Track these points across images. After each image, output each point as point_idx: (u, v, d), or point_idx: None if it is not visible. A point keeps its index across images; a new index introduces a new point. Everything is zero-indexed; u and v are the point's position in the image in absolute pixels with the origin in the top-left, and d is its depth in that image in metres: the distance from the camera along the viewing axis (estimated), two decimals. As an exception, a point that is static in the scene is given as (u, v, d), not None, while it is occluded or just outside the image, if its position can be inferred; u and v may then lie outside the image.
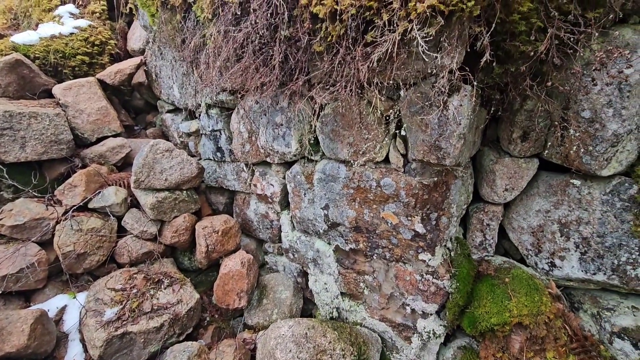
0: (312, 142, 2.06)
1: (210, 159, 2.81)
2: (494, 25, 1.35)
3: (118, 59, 3.19)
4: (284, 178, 2.35)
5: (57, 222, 2.26)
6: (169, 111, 3.06)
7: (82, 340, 1.96)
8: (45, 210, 2.27)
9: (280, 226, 2.52)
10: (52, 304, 2.08)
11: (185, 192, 2.54)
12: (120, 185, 2.58)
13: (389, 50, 1.36)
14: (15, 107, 2.39)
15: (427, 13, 1.28)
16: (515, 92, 1.64)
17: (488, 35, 1.35)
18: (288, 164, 2.31)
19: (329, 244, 2.29)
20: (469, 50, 1.43)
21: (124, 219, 2.46)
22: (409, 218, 1.86)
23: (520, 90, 1.62)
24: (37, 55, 2.81)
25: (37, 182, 2.45)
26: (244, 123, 2.31)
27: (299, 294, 2.56)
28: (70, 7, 3.13)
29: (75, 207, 2.33)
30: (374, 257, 2.11)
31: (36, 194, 2.39)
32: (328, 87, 1.72)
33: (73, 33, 2.98)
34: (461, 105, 1.46)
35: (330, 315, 2.38)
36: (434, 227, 1.84)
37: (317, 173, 2.10)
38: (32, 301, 2.13)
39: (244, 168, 2.56)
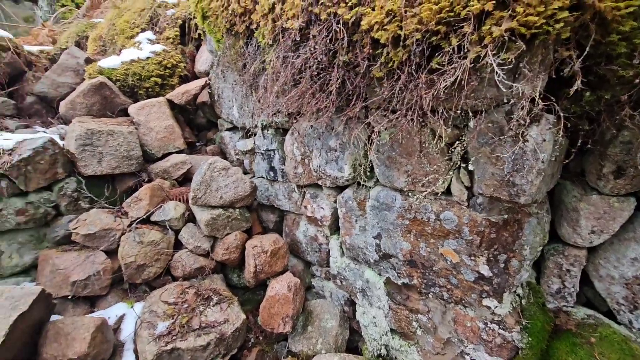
0: (366, 168, 1.97)
1: (263, 178, 2.85)
2: (587, 48, 1.16)
3: (186, 80, 3.43)
4: (335, 202, 2.28)
5: (123, 233, 2.43)
6: (227, 129, 3.19)
7: (135, 351, 2.04)
8: (114, 221, 2.46)
9: (329, 250, 2.45)
10: (112, 312, 2.22)
11: (238, 210, 2.59)
12: (179, 200, 2.71)
13: (458, 78, 1.24)
14: (96, 125, 2.65)
15: (505, 37, 1.14)
16: (609, 122, 1.40)
17: (579, 59, 1.17)
18: (340, 188, 2.24)
19: (380, 275, 2.15)
20: (553, 76, 1.26)
21: (180, 233, 2.57)
22: (473, 258, 1.67)
23: (617, 120, 1.38)
24: (118, 77, 3.12)
25: (109, 194, 2.67)
26: (298, 145, 2.30)
27: (345, 324, 2.44)
28: (149, 34, 3.45)
29: (139, 220, 2.49)
30: (430, 296, 1.93)
31: (107, 206, 2.61)
32: (386, 113, 1.63)
33: (149, 57, 3.27)
34: (542, 138, 1.28)
35: (379, 352, 2.23)
36: (502, 271, 1.63)
37: (370, 200, 2.01)
38: (96, 307, 2.30)
39: (296, 189, 2.55)
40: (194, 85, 3.13)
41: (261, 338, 2.42)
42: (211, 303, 2.28)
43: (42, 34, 4.08)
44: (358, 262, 2.26)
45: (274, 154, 2.63)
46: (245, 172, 3.04)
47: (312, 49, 1.65)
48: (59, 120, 3.27)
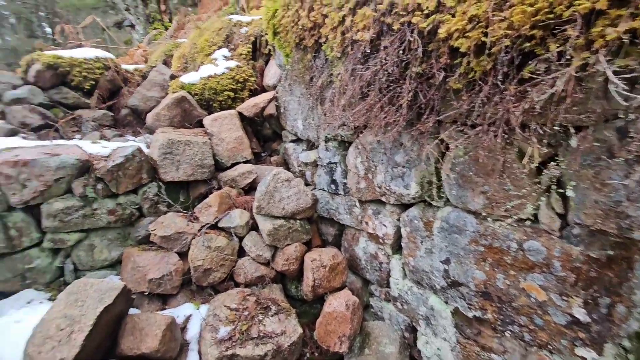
0: (435, 186, 1.82)
1: (324, 190, 2.83)
2: None
3: (255, 93, 3.59)
4: (398, 220, 2.16)
5: (193, 237, 2.59)
6: (291, 141, 3.26)
7: (199, 352, 2.13)
8: (186, 225, 2.64)
9: (390, 270, 2.32)
10: (180, 311, 2.36)
11: (299, 221, 2.60)
12: (244, 209, 2.82)
13: (558, 89, 1.06)
14: (175, 136, 2.89)
15: (624, 40, 0.95)
16: None
17: None
18: (405, 206, 2.12)
19: (447, 303, 1.96)
20: (690, 85, 1.02)
21: (244, 241, 2.66)
22: (565, 298, 1.42)
23: None
24: (196, 92, 3.39)
25: (183, 199, 2.89)
26: (362, 159, 2.24)
27: (405, 352, 2.27)
28: (224, 51, 3.71)
29: (208, 225, 2.64)
30: (506, 334, 1.70)
31: (181, 210, 2.81)
32: (464, 128, 1.49)
33: (224, 72, 3.50)
34: (672, 162, 1.04)
35: (442, 388, 2.02)
36: (604, 317, 1.36)
37: (438, 221, 1.85)
38: (167, 305, 2.46)
39: (357, 204, 2.48)
40: (262, 99, 3.26)
41: (316, 354, 2.37)
42: (270, 313, 2.30)
43: (137, 54, 4.64)
44: (422, 287, 2.10)
45: (336, 167, 2.60)
46: (306, 184, 3.06)
47: (382, 60, 1.58)
48: (146, 130, 3.65)
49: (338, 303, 2.26)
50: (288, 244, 2.57)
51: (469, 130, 1.44)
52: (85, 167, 2.59)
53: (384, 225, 2.25)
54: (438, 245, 1.88)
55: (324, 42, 2.06)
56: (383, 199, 2.17)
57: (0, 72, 3.49)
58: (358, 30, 1.69)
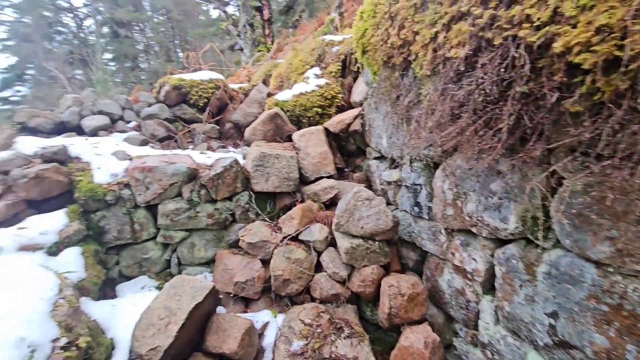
0: (541, 223, 1.54)
1: (407, 212, 2.68)
2: None
3: (342, 109, 3.65)
4: (492, 256, 1.89)
5: (276, 247, 2.72)
6: (375, 158, 3.19)
7: (273, 360, 2.21)
8: (271, 234, 2.79)
9: (479, 312, 2.04)
10: (260, 317, 2.49)
11: (377, 243, 2.50)
12: (324, 224, 2.85)
13: None
14: (267, 150, 3.10)
15: None
16: None
17: None
18: (500, 241, 1.84)
19: (552, 365, 1.63)
20: None
21: (322, 256, 2.68)
22: None
23: None
24: (288, 108, 3.61)
25: (270, 209, 3.07)
26: (450, 184, 2.04)
27: (493, 409, 1.96)
28: (316, 69, 3.88)
29: (289, 237, 2.75)
30: None
31: (267, 219, 3.00)
32: (584, 160, 1.22)
33: (314, 90, 3.65)
34: None
35: None
36: None
37: (544, 265, 1.55)
38: (249, 308, 2.63)
39: (442, 231, 2.27)
40: (348, 115, 3.28)
41: (388, 388, 2.22)
42: (342, 335, 2.26)
43: (242, 74, 5.20)
44: (519, 338, 1.78)
45: (421, 189, 2.44)
46: (388, 203, 2.95)
47: (479, 79, 1.42)
48: (243, 142, 4.04)
49: (416, 338, 2.08)
50: (365, 265, 2.50)
51: (592, 163, 1.18)
52: (193, 175, 2.98)
53: (474, 260, 2.00)
54: (542, 294, 1.58)
55: (413, 60, 1.96)
56: (474, 230, 1.94)
57: (142, 92, 4.29)
58: (452, 47, 1.56)
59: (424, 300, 2.31)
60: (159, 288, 2.81)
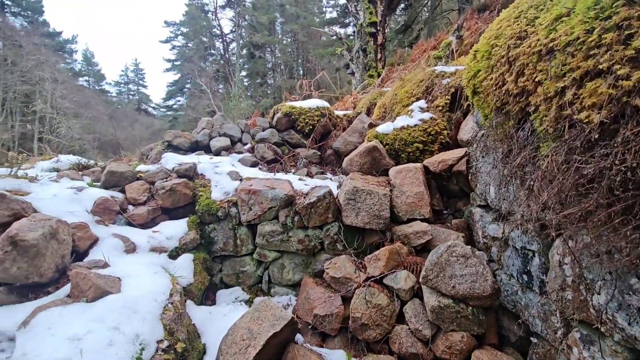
0: None
1: (513, 277, 2.30)
2: None
3: (447, 146, 3.40)
4: (626, 369, 1.45)
5: (358, 287, 2.68)
6: (479, 206, 2.85)
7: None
8: (354, 272, 2.77)
9: None
10: (333, 356, 2.47)
11: (471, 308, 2.22)
12: (412, 271, 2.68)
13: None
14: (360, 184, 3.11)
15: None
16: None
17: None
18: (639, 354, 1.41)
19: None
20: None
21: (405, 307, 2.52)
22: None
23: None
24: (387, 142, 3.55)
25: (357, 245, 3.06)
26: (571, 262, 1.67)
27: None
28: (422, 102, 3.72)
29: (373, 279, 2.67)
30: None
31: (353, 255, 2.99)
32: None
33: (417, 124, 3.51)
34: None
35: None
36: None
37: None
38: (324, 344, 2.65)
39: (557, 315, 1.86)
40: (451, 156, 3.03)
41: None
42: (415, 402, 2.06)
43: (349, 101, 5.38)
44: None
45: (533, 256, 2.06)
46: (490, 260, 2.59)
47: (618, 155, 1.13)
48: (341, 170, 4.15)
49: None
50: (453, 330, 2.24)
51: None
52: (290, 201, 3.21)
53: (598, 364, 1.58)
54: None
55: (532, 112, 1.69)
56: (602, 329, 1.53)
57: (259, 118, 4.87)
58: (582, 109, 1.29)
59: (522, 391, 1.93)
60: (247, 302, 3.09)
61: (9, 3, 27.43)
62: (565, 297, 1.74)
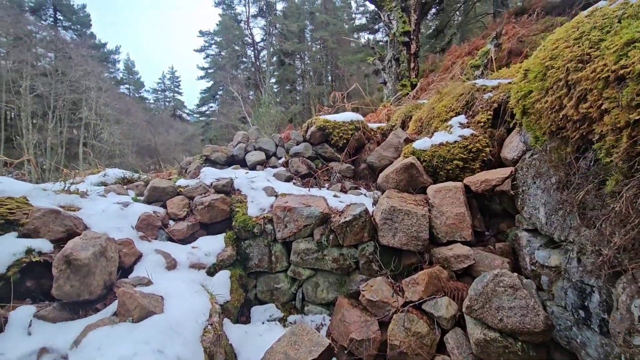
0: None
1: (567, 310, 2.13)
2: None
3: (489, 164, 3.25)
4: None
5: (396, 312, 2.60)
6: (526, 230, 2.68)
7: None
8: (392, 296, 2.69)
9: None
10: (370, 384, 2.41)
11: (520, 343, 2.08)
12: (453, 297, 2.57)
13: None
14: (398, 203, 3.03)
15: None
16: None
17: None
18: None
19: None
20: None
21: (446, 336, 2.41)
22: None
23: None
24: (425, 158, 3.45)
25: (393, 266, 2.98)
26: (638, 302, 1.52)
27: None
28: (461, 117, 3.59)
29: (412, 304, 2.59)
30: None
31: (390, 276, 2.91)
32: None
33: (456, 141, 3.38)
34: None
35: None
36: None
37: None
38: (360, 370, 2.59)
39: (623, 358, 1.70)
40: (495, 175, 2.88)
41: None
42: None
43: (382, 113, 5.31)
44: None
45: (592, 292, 1.90)
46: (539, 288, 2.42)
47: None
48: (375, 185, 4.08)
49: None
50: (500, 366, 2.11)
51: None
52: (325, 219, 3.18)
53: None
54: None
55: (597, 141, 1.57)
56: (680, 385, 1.37)
57: (292, 131, 4.91)
58: (665, 147, 1.17)
59: None
60: (281, 320, 3.09)
61: (61, 18, 29.77)
62: (633, 343, 1.58)
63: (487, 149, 3.25)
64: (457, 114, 3.69)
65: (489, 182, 2.92)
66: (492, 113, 3.40)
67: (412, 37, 7.53)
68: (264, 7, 36.59)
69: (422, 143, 3.58)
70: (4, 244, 2.20)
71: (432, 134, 3.71)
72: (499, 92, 3.43)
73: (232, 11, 37.15)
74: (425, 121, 4.06)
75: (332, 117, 4.58)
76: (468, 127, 3.47)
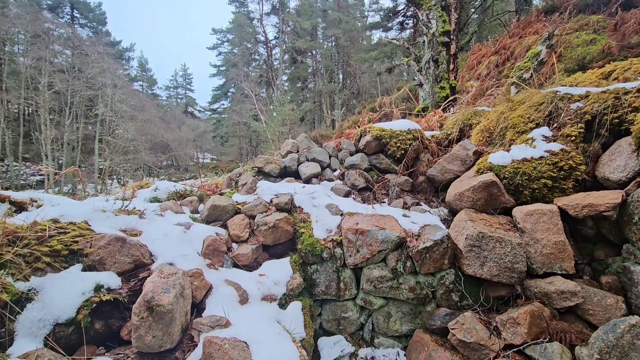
0: None
1: None
2: None
3: (583, 185, 2.92)
4: None
5: (496, 356, 2.31)
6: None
7: None
8: (489, 338, 2.40)
9: None
10: None
11: (671, 410, 1.77)
12: (560, 340, 2.27)
13: None
14: (486, 229, 2.72)
15: None
16: None
17: None
18: None
19: None
20: None
21: (562, 389, 2.11)
22: None
23: None
24: (505, 175, 3.13)
25: (483, 299, 2.68)
26: None
27: None
28: (545, 130, 3.25)
29: (514, 349, 2.29)
30: None
31: (480, 313, 2.61)
32: None
33: (543, 157, 3.05)
34: None
35: None
36: None
37: None
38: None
39: None
40: (604, 200, 2.55)
41: None
42: None
43: (433, 120, 4.98)
44: None
45: None
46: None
47: None
48: (440, 202, 3.77)
49: None
50: None
51: None
52: (400, 243, 2.90)
53: None
54: None
55: None
56: None
57: (344, 140, 4.61)
58: None
59: None
60: (352, 355, 2.82)
61: (78, 15, 29.86)
62: None
63: (582, 167, 2.91)
64: (538, 125, 3.35)
65: (595, 208, 2.58)
66: (583, 125, 3.06)
67: (452, 37, 7.17)
68: (277, 4, 36.27)
69: (501, 157, 3.25)
70: (71, 281, 1.96)
71: (509, 147, 3.38)
72: (590, 102, 3.08)
73: (245, 9, 36.92)
74: (496, 132, 3.73)
75: (388, 126, 4.27)
76: (554, 140, 3.14)
